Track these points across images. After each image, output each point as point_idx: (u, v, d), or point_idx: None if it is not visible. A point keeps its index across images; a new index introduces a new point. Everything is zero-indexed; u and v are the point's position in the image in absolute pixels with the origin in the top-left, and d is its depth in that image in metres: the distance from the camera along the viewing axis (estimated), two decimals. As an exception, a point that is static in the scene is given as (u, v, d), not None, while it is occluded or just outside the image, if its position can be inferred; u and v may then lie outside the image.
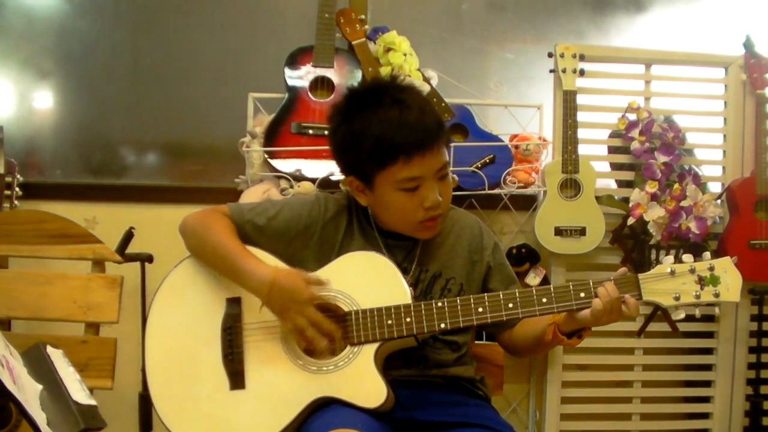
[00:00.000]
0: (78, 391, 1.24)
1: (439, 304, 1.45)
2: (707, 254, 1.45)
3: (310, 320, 1.42)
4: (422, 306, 1.45)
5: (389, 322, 1.44)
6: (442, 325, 1.45)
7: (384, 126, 1.44)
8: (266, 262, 1.50)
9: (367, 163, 1.47)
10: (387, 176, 1.46)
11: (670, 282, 1.42)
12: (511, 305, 1.44)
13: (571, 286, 1.43)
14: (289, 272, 1.47)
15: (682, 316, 2.44)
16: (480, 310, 1.45)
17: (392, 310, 1.45)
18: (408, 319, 1.44)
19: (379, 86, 1.56)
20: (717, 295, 1.41)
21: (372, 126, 1.45)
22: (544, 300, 1.43)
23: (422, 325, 1.44)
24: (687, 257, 1.44)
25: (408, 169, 1.44)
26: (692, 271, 1.42)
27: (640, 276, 1.43)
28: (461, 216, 1.67)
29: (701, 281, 1.41)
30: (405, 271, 1.51)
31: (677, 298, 1.41)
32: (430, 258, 1.59)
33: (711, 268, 1.42)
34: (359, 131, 1.47)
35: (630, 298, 1.40)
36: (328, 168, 2.25)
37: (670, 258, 1.44)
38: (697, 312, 1.44)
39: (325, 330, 1.42)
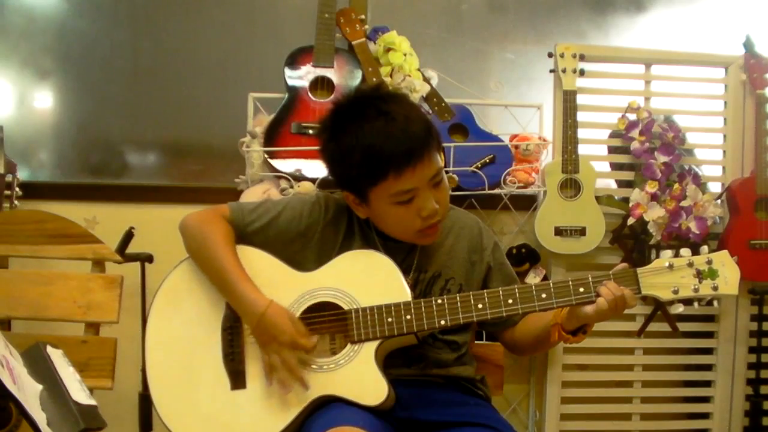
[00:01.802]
0: (78, 391, 1.24)
1: (439, 301, 1.45)
2: (705, 248, 1.45)
3: (284, 363, 1.42)
4: (422, 303, 1.45)
5: (389, 319, 1.44)
6: (443, 322, 1.44)
7: (370, 141, 1.41)
8: (266, 264, 1.51)
9: (359, 179, 1.45)
10: (380, 191, 1.44)
11: (669, 276, 1.42)
12: (510, 301, 1.44)
13: (570, 282, 1.43)
14: (281, 311, 1.45)
15: (681, 309, 2.44)
16: (480, 306, 1.44)
17: (392, 307, 1.45)
18: (408, 317, 1.44)
19: (362, 99, 1.50)
20: (715, 288, 1.41)
21: (358, 142, 1.42)
22: (543, 296, 1.43)
23: (422, 322, 1.44)
24: (685, 251, 1.45)
25: (400, 182, 1.41)
26: (690, 264, 1.42)
27: (639, 270, 1.43)
28: (460, 216, 1.67)
29: (699, 275, 1.41)
30: (404, 273, 1.50)
31: (676, 292, 1.42)
32: (429, 259, 1.58)
33: (709, 262, 1.42)
34: (346, 148, 1.44)
35: (628, 291, 1.40)
36: (328, 168, 2.25)
37: (669, 252, 1.45)
38: (696, 305, 1.44)
39: (296, 377, 1.42)
